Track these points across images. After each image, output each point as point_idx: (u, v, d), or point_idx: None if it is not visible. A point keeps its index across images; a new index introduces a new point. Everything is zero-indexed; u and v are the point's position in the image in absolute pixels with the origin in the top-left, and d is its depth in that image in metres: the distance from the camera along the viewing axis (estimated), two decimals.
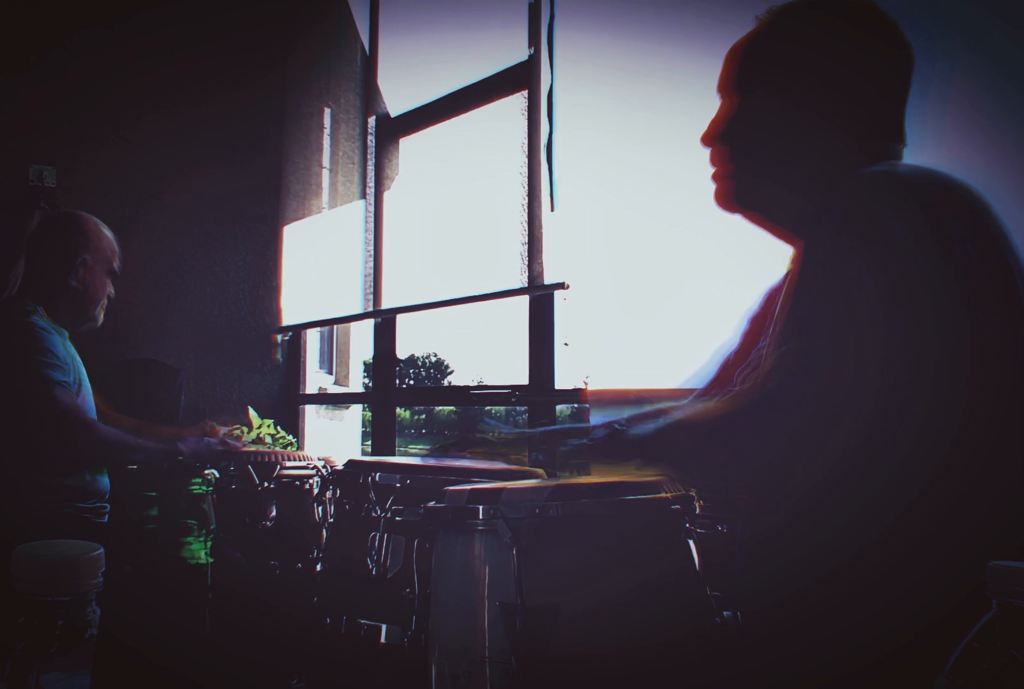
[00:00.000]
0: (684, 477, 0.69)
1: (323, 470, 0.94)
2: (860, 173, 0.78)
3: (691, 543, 0.62)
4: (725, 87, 0.90)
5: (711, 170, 0.91)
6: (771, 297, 0.97)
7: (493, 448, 0.86)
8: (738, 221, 0.93)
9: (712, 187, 0.91)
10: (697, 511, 0.64)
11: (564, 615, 0.55)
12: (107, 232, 1.78)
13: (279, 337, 2.77)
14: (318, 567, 0.84)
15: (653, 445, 0.78)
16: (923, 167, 0.79)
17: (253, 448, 1.55)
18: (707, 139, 0.90)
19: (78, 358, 1.70)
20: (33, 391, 1.52)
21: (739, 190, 0.89)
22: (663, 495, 0.62)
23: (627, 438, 0.79)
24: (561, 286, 1.85)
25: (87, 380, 1.70)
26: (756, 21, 0.88)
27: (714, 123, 0.90)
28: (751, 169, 0.87)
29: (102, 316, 1.78)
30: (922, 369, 0.68)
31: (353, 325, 3.15)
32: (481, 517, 0.58)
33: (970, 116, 1.12)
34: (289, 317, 2.77)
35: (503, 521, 0.56)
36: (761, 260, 0.98)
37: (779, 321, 0.78)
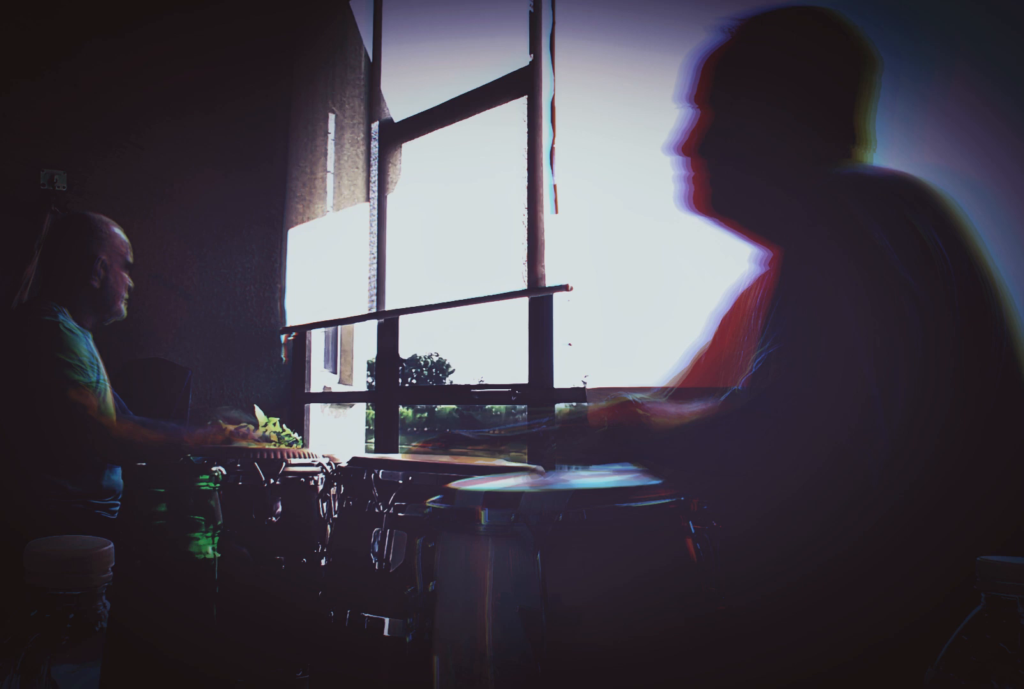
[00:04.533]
0: (672, 476, 0.70)
1: (327, 467, 0.95)
2: (837, 175, 0.79)
3: (693, 542, 0.63)
4: (698, 98, 0.91)
5: (683, 174, 0.91)
6: (742, 298, 0.97)
7: (493, 445, 0.87)
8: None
9: (683, 190, 0.92)
10: (696, 508, 0.65)
11: (577, 613, 0.56)
12: (116, 229, 1.80)
13: (283, 337, 2.79)
14: (323, 562, 0.85)
15: (647, 448, 0.78)
16: (893, 170, 0.81)
17: (257, 445, 1.57)
18: (684, 147, 0.91)
19: (100, 360, 1.72)
20: (51, 392, 1.53)
21: (716, 197, 0.90)
22: (673, 499, 0.63)
23: (617, 439, 0.79)
24: (564, 288, 1.86)
25: (108, 383, 1.72)
26: (728, 33, 0.89)
27: (691, 131, 0.91)
28: (730, 177, 0.89)
29: (125, 308, 1.81)
30: (908, 366, 0.69)
31: (357, 325, 3.17)
32: (499, 520, 0.58)
33: (964, 124, 1.13)
34: (295, 318, 2.79)
35: (525, 526, 0.57)
36: (751, 259, 0.99)
37: (763, 323, 0.79)
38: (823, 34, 0.87)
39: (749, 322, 0.91)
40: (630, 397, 0.78)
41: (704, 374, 0.97)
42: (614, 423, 0.76)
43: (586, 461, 0.83)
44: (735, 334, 0.94)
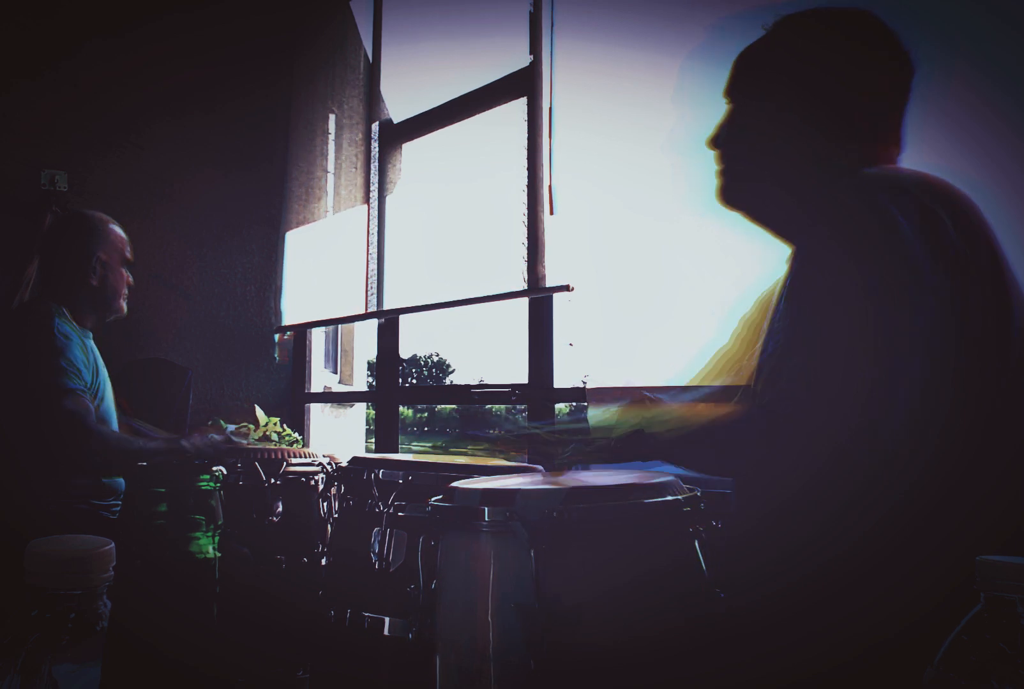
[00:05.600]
0: (692, 474, 0.70)
1: (328, 467, 0.95)
2: (858, 177, 0.79)
3: (697, 543, 0.63)
4: (725, 92, 0.92)
5: (714, 169, 0.93)
6: (765, 300, 0.98)
7: (493, 445, 0.88)
8: (739, 220, 0.95)
9: (714, 184, 0.93)
10: (702, 506, 0.65)
11: (575, 612, 0.56)
12: (114, 226, 1.80)
13: (277, 336, 2.79)
14: (323, 561, 0.86)
15: (674, 448, 0.79)
16: (915, 171, 0.81)
17: (259, 445, 1.57)
18: (713, 142, 0.93)
19: (100, 360, 1.72)
20: (45, 397, 1.53)
21: (725, 189, 0.91)
22: (675, 498, 0.63)
23: (651, 440, 0.80)
24: (565, 288, 1.86)
25: (108, 382, 1.72)
26: (763, 29, 0.90)
27: (721, 126, 0.92)
28: (736, 170, 0.89)
29: (126, 305, 1.81)
30: (912, 368, 0.69)
31: (357, 325, 3.17)
32: (495, 518, 0.58)
33: (964, 124, 1.13)
34: (294, 317, 2.79)
35: (520, 523, 0.57)
36: (761, 260, 0.99)
37: (778, 327, 0.79)
38: (859, 36, 0.86)
39: (763, 322, 0.92)
40: (649, 395, 0.79)
41: (722, 374, 0.97)
42: (634, 424, 0.77)
43: (602, 460, 0.83)
44: (751, 334, 0.94)
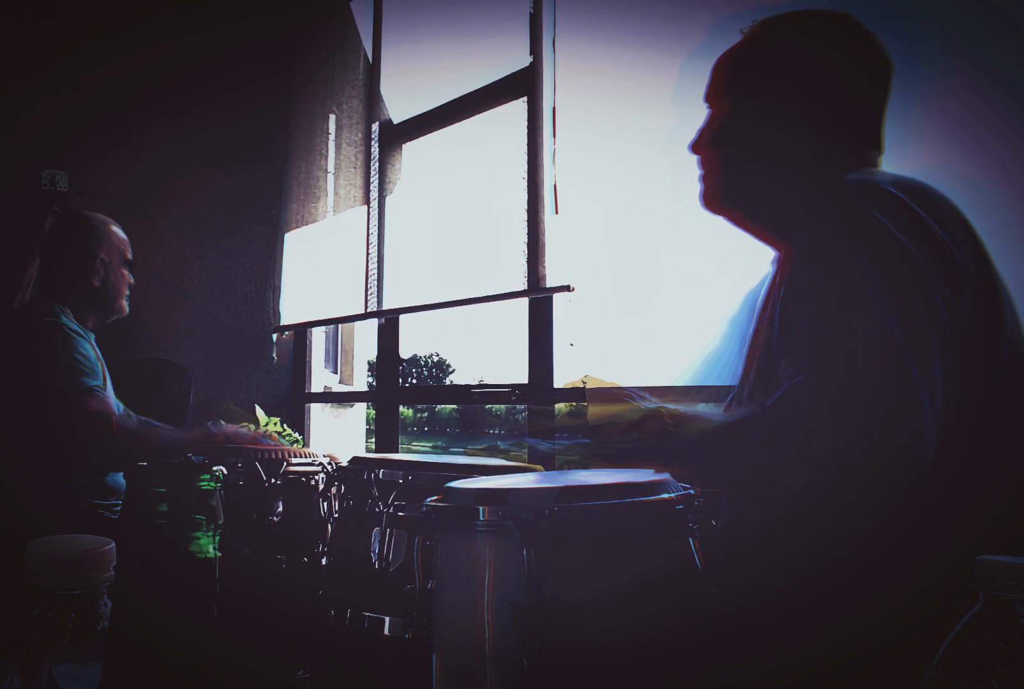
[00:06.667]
0: (690, 477, 0.70)
1: (328, 467, 0.95)
2: (849, 180, 0.79)
3: (693, 542, 0.63)
4: (715, 94, 0.92)
5: (700, 173, 0.93)
6: (751, 300, 0.98)
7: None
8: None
9: (700, 188, 0.93)
10: (696, 504, 0.65)
11: (571, 611, 0.56)
12: (114, 227, 1.81)
13: (276, 336, 2.79)
14: (323, 561, 0.86)
15: (673, 449, 0.78)
16: (902, 175, 0.81)
17: (259, 445, 1.57)
18: (697, 146, 0.92)
19: (102, 360, 1.72)
20: (55, 395, 1.53)
21: (724, 189, 0.91)
22: (669, 496, 0.63)
23: (650, 441, 0.79)
24: (566, 288, 1.86)
25: (110, 380, 1.73)
26: (741, 33, 0.90)
27: (704, 130, 0.92)
28: (738, 169, 0.89)
29: (127, 305, 1.82)
30: (912, 369, 0.69)
31: (357, 326, 3.17)
32: (489, 517, 0.58)
33: (964, 124, 1.13)
34: (294, 317, 2.79)
35: (513, 522, 0.57)
36: (760, 261, 1.00)
37: (775, 327, 0.79)
38: (839, 39, 0.87)
39: (749, 322, 0.92)
40: (661, 407, 0.79)
41: (713, 375, 0.98)
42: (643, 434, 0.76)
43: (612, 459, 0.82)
44: (739, 334, 0.94)
